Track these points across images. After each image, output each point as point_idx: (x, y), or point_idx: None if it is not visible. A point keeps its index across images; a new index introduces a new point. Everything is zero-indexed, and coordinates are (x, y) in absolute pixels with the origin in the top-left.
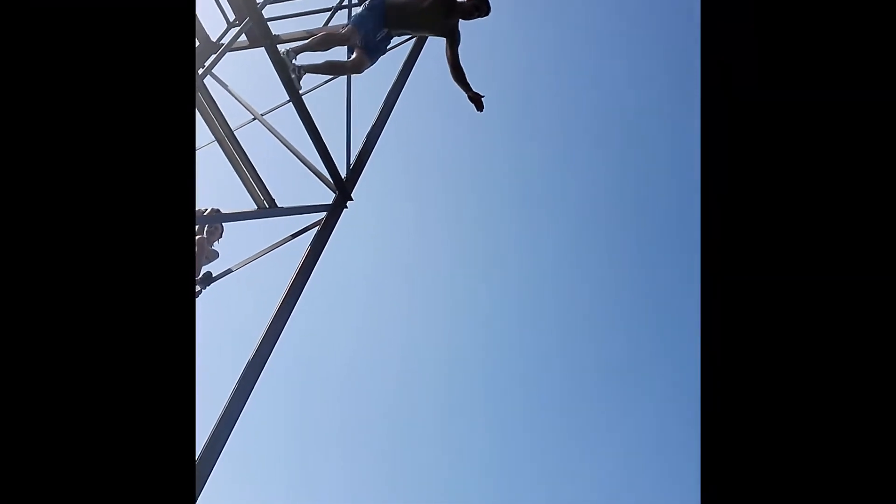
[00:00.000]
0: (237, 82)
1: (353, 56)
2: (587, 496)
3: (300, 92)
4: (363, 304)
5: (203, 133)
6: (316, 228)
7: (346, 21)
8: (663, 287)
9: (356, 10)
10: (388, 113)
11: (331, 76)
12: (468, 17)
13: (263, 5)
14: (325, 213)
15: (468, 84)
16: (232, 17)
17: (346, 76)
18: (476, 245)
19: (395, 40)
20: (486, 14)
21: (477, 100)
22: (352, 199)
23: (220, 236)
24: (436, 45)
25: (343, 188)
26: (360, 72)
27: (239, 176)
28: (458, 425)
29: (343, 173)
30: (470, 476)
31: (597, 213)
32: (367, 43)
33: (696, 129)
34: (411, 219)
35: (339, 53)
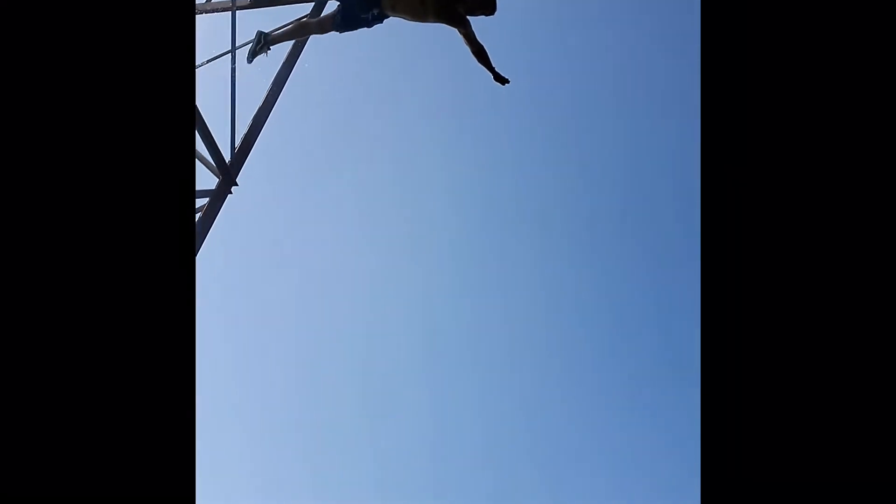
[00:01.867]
0: None
1: (322, 16)
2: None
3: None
4: (252, 295)
5: None
6: (198, 215)
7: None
8: (656, 282)
9: None
10: (276, 94)
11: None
12: (472, 13)
13: None
14: (207, 199)
15: (492, 66)
16: None
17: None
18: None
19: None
20: (491, 13)
21: (501, 80)
22: (237, 185)
23: None
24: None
25: (227, 173)
26: (321, 32)
27: None
28: (370, 423)
29: (227, 157)
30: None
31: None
32: (345, 11)
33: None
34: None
35: None
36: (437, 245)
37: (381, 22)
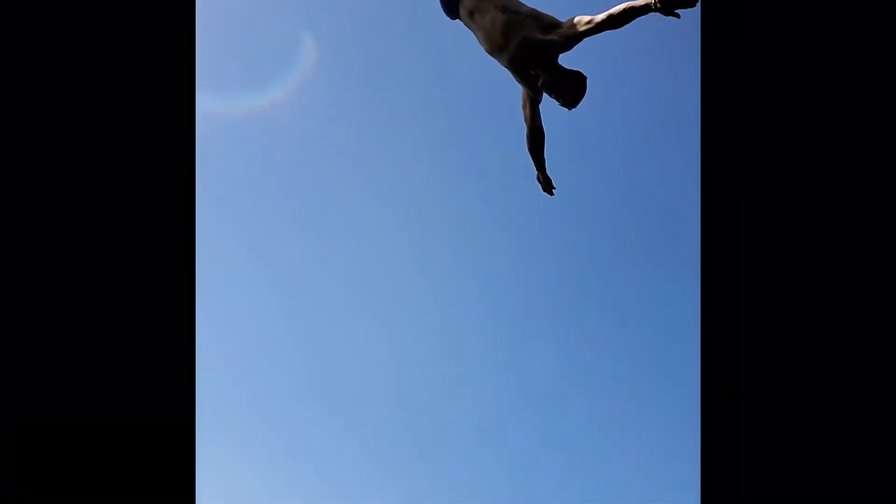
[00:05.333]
0: None
1: None
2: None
3: None
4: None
5: None
6: None
7: None
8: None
9: None
10: None
11: None
12: (549, 89)
13: None
14: None
15: (543, 159)
16: None
17: None
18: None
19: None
20: (568, 106)
21: (547, 183)
22: None
23: None
24: None
25: None
26: None
27: None
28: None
29: None
30: None
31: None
32: None
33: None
34: None
35: None
36: (435, 245)
37: (453, 18)
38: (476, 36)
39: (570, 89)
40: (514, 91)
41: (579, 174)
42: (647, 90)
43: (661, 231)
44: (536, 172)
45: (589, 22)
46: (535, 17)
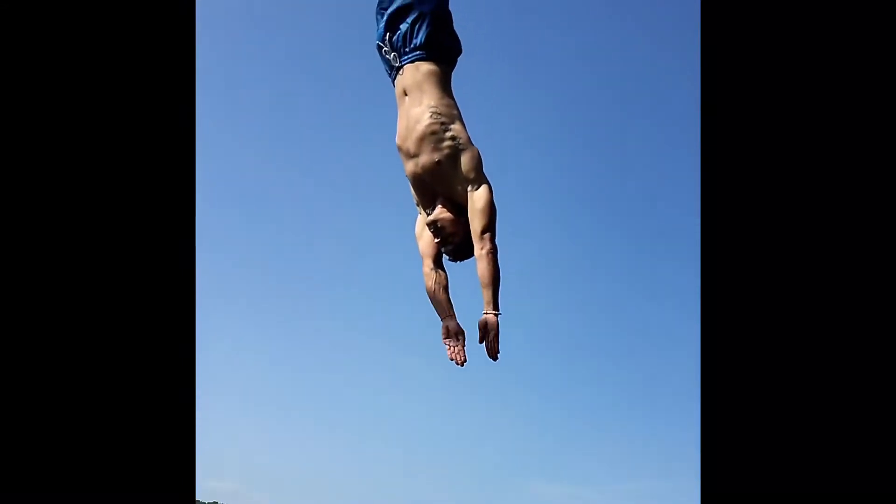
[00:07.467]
0: None
1: None
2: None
3: None
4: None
5: None
6: None
7: None
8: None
9: None
10: None
11: None
12: (434, 228)
13: None
14: None
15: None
16: None
17: None
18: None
19: None
20: (448, 254)
21: (460, 341)
22: None
23: None
24: None
25: None
26: None
27: None
28: None
29: None
30: None
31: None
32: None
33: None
34: None
35: None
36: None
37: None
38: (398, 117)
39: (463, 247)
40: None
41: (580, 172)
42: (647, 90)
43: (661, 231)
44: (443, 325)
45: (481, 238)
46: (461, 150)
